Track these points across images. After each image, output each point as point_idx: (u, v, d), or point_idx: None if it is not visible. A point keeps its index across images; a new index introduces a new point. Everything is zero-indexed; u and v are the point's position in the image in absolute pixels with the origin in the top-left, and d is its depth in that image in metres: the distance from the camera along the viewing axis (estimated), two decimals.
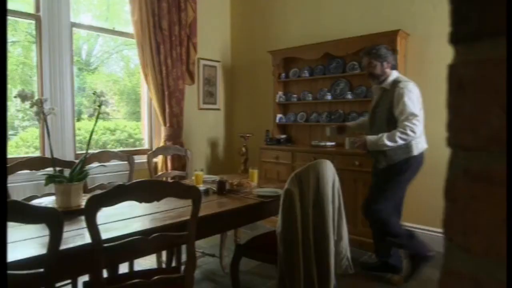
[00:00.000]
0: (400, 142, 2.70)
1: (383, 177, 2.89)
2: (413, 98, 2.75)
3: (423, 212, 3.67)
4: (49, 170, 2.24)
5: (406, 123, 2.69)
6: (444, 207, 0.39)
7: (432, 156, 3.61)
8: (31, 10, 3.42)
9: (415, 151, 2.82)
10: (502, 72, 0.34)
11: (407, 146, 2.78)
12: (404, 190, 2.94)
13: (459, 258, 0.37)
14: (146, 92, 4.37)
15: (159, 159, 4.22)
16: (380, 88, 2.95)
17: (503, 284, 0.34)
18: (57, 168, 2.15)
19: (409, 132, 2.67)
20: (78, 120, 3.90)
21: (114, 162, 3.15)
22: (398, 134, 2.69)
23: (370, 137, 2.82)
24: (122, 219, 1.84)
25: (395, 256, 3.00)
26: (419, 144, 2.86)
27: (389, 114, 2.81)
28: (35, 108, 1.92)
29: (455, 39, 0.38)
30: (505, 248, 0.34)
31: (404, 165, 2.82)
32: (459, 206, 0.38)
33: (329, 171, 2.18)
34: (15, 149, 3.46)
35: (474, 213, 0.36)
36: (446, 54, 0.39)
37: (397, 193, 2.92)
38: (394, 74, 2.93)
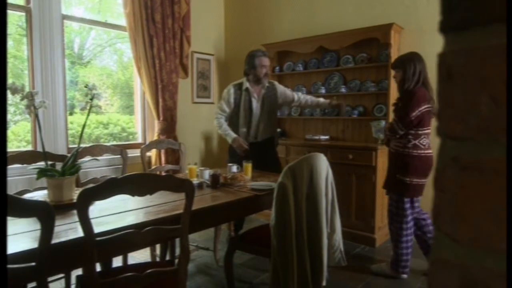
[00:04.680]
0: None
1: None
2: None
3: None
4: (41, 164, 2.22)
5: None
6: (433, 196, 0.39)
7: None
8: (21, 2, 3.37)
9: None
10: (491, 61, 0.34)
11: None
12: None
13: (448, 247, 0.38)
14: (139, 86, 4.34)
15: (152, 153, 4.20)
16: None
17: (492, 272, 0.34)
18: (49, 162, 2.13)
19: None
20: (71, 114, 3.87)
21: (107, 156, 3.13)
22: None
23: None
24: (115, 213, 1.83)
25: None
26: None
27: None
28: (25, 101, 1.90)
29: (444, 27, 0.37)
30: (493, 237, 0.34)
31: None
32: (448, 195, 0.38)
33: (323, 165, 2.18)
34: (7, 143, 3.43)
35: (462, 202, 0.37)
36: (439, 47, 0.38)
37: None
38: None
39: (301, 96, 3.53)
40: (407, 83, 2.70)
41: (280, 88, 3.50)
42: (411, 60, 2.70)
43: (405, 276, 2.86)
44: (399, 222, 2.78)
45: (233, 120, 3.40)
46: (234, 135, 3.30)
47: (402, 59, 2.78)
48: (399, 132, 2.70)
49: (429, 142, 2.76)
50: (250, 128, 3.37)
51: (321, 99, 3.58)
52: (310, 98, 3.57)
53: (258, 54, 3.31)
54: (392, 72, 2.95)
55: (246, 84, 3.36)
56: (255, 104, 3.36)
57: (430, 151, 2.75)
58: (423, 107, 2.63)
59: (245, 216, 3.45)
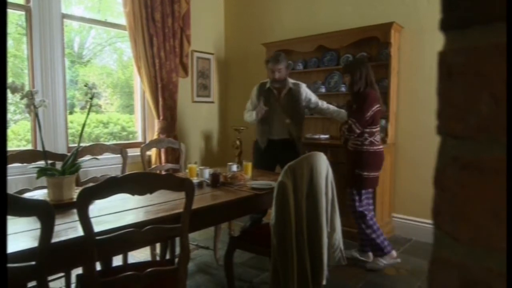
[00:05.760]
0: None
1: None
2: None
3: (414, 204, 3.70)
4: (41, 163, 2.22)
5: None
6: (433, 195, 0.39)
7: (423, 148, 3.64)
8: (21, 1, 3.37)
9: None
10: (491, 60, 0.34)
11: None
12: None
13: (448, 246, 0.38)
14: (139, 85, 4.33)
15: (152, 152, 4.20)
16: None
17: (492, 271, 0.34)
18: (49, 161, 2.13)
19: None
20: (71, 113, 3.87)
21: (107, 155, 3.13)
22: None
23: None
24: (115, 212, 1.83)
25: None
26: None
27: None
28: (25, 100, 1.90)
29: (445, 26, 0.37)
30: (493, 236, 0.34)
31: None
32: (448, 194, 0.38)
33: (323, 164, 2.18)
34: (7, 142, 3.43)
35: (462, 201, 0.36)
36: (439, 46, 0.38)
37: None
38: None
39: (324, 105, 3.62)
40: (356, 86, 2.97)
41: (306, 90, 3.55)
42: (357, 65, 3.01)
43: (394, 253, 3.03)
44: (361, 212, 3.01)
45: (260, 119, 3.52)
46: (255, 111, 3.49)
47: (349, 64, 3.11)
48: (357, 131, 2.93)
49: (380, 138, 3.10)
50: (269, 125, 3.48)
51: (342, 111, 3.54)
52: (332, 107, 3.65)
53: (271, 60, 3.42)
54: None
55: (269, 84, 3.49)
56: (275, 103, 3.45)
57: (381, 146, 3.07)
58: (375, 107, 2.92)
59: (245, 215, 3.46)
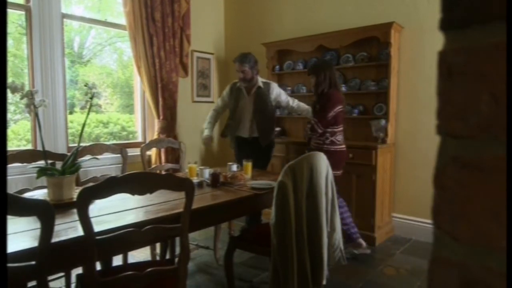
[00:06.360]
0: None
1: None
2: None
3: (414, 204, 3.70)
4: (41, 163, 2.22)
5: None
6: (433, 194, 0.39)
7: (423, 148, 3.64)
8: (21, 1, 3.37)
9: None
10: (491, 59, 0.34)
11: None
12: None
13: (448, 245, 0.38)
14: (139, 85, 4.33)
15: (152, 152, 4.20)
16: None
17: (492, 271, 0.34)
18: (49, 161, 2.13)
19: None
20: (71, 113, 3.87)
21: (107, 155, 3.13)
22: None
23: None
24: (115, 212, 1.83)
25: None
26: None
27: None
28: (25, 100, 1.90)
29: (445, 25, 0.37)
30: (493, 235, 0.34)
31: None
32: (447, 194, 0.38)
33: (323, 163, 2.18)
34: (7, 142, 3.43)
35: (462, 201, 0.36)
36: (439, 46, 0.38)
37: None
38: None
39: (294, 104, 3.69)
40: (320, 87, 3.08)
41: (276, 90, 3.61)
42: (321, 67, 3.11)
43: (364, 243, 3.21)
44: None
45: (231, 116, 3.65)
46: (206, 133, 3.64)
47: (313, 66, 3.21)
48: (319, 131, 3.06)
49: (343, 138, 3.20)
50: (241, 124, 3.56)
51: (309, 109, 3.59)
52: (303, 106, 3.72)
53: (236, 60, 3.47)
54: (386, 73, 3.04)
55: (239, 83, 3.55)
56: (245, 102, 3.52)
57: (343, 146, 3.17)
58: (337, 108, 3.02)
59: (245, 215, 3.46)
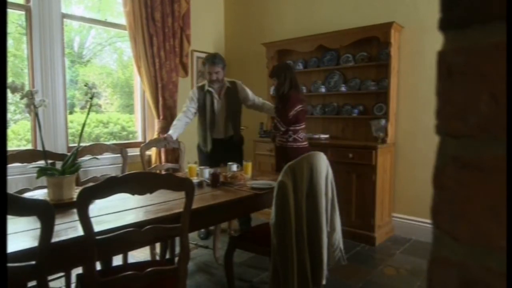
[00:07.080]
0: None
1: None
2: None
3: (413, 204, 3.70)
4: (41, 163, 2.22)
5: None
6: (432, 194, 0.39)
7: (423, 148, 3.64)
8: (21, 0, 3.37)
9: None
10: (491, 59, 0.34)
11: None
12: None
13: (447, 245, 0.38)
14: (139, 85, 4.33)
15: (152, 152, 4.20)
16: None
17: (492, 270, 0.34)
18: (49, 161, 2.13)
19: None
20: (71, 113, 3.87)
21: (107, 155, 3.13)
22: None
23: None
24: (114, 212, 1.83)
25: None
26: None
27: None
28: (25, 100, 1.90)
29: (444, 25, 0.37)
30: (493, 235, 0.34)
31: None
32: (447, 194, 0.38)
33: (323, 163, 2.18)
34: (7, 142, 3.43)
35: (462, 201, 0.36)
36: (439, 46, 0.38)
37: None
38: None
39: (260, 102, 3.67)
40: (281, 89, 3.23)
41: (243, 88, 3.59)
42: (282, 70, 3.26)
43: None
44: None
45: (201, 121, 3.56)
46: (170, 132, 3.43)
47: (275, 69, 3.35)
48: (281, 129, 3.21)
49: (305, 135, 3.34)
50: (215, 126, 3.51)
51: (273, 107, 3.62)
52: (268, 104, 3.73)
53: (208, 61, 3.38)
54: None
55: (207, 86, 3.46)
56: (218, 104, 3.47)
57: (306, 143, 3.32)
58: (297, 107, 3.17)
59: (245, 215, 3.46)
